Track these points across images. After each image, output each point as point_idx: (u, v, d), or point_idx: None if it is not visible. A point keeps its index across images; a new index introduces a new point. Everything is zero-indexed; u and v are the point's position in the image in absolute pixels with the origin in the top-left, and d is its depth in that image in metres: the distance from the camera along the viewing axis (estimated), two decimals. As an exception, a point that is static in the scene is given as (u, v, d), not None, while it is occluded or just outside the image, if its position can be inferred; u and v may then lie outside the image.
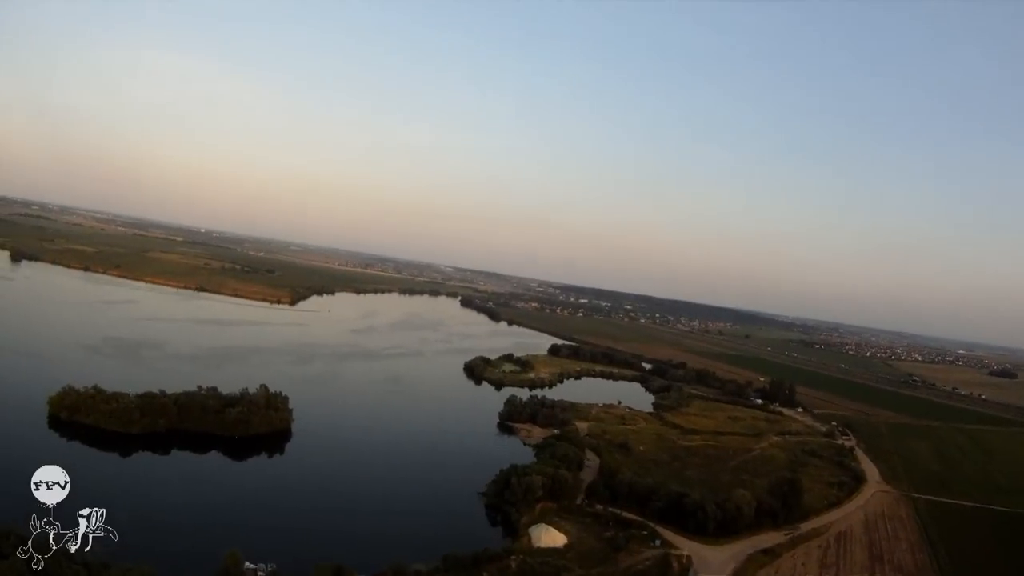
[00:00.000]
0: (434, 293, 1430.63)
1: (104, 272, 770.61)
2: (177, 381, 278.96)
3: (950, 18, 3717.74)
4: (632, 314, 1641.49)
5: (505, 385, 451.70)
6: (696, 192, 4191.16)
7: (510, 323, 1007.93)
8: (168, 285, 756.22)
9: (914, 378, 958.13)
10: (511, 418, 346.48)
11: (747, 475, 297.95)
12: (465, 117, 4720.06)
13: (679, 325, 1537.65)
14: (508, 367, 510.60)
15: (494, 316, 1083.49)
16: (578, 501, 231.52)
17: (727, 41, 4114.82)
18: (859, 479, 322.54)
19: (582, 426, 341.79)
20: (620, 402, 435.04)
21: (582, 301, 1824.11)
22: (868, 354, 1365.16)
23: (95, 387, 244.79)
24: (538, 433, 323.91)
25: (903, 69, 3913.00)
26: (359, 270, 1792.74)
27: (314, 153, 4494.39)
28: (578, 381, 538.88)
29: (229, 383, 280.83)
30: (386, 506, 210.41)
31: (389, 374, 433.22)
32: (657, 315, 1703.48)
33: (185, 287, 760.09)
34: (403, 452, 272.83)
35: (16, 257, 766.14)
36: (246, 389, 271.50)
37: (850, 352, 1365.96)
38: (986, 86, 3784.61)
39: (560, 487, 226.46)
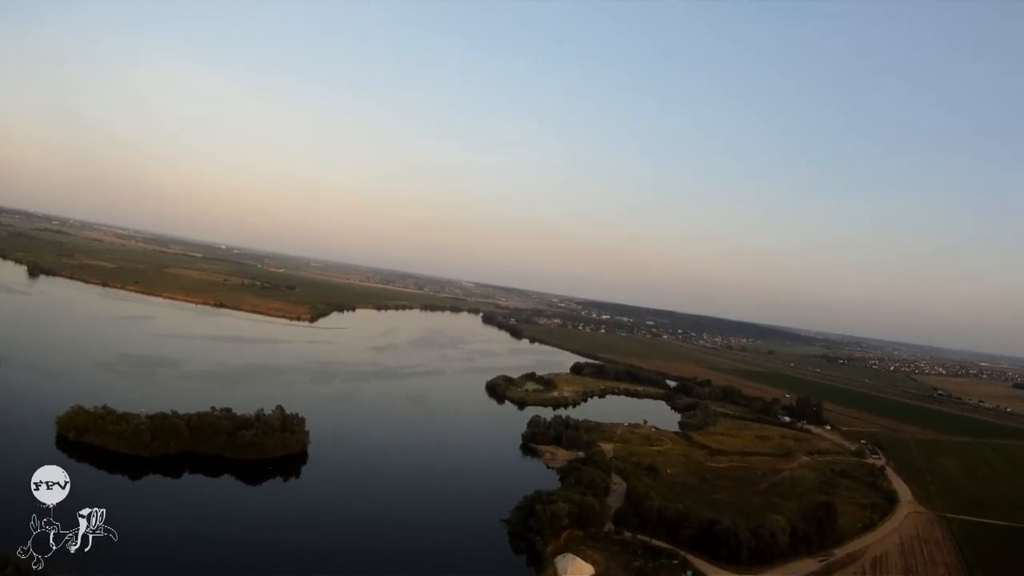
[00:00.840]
0: (455, 309, 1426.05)
1: (122, 287, 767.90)
2: (191, 401, 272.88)
3: (965, 24, 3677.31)
4: (655, 330, 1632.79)
5: (528, 404, 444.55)
6: (716, 206, 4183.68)
7: (532, 340, 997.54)
8: (187, 301, 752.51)
9: (939, 392, 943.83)
10: (534, 440, 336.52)
11: (778, 498, 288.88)
12: (488, 134, 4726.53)
13: (702, 341, 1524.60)
14: (531, 386, 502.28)
15: (516, 333, 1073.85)
16: (605, 529, 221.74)
17: (748, 57, 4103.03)
18: (892, 500, 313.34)
19: (607, 447, 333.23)
20: (646, 421, 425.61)
21: (604, 317, 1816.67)
22: (892, 368, 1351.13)
23: (105, 407, 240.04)
24: (562, 455, 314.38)
25: (922, 76, 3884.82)
26: (380, 286, 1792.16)
27: (338, 170, 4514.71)
28: (602, 399, 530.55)
29: (244, 403, 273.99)
30: (406, 533, 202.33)
31: (409, 393, 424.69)
32: (680, 331, 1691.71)
33: (204, 303, 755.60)
34: (424, 476, 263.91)
35: (33, 272, 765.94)
36: (261, 410, 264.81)
37: (874, 366, 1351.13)
38: (1012, 93, 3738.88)
39: (587, 514, 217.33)
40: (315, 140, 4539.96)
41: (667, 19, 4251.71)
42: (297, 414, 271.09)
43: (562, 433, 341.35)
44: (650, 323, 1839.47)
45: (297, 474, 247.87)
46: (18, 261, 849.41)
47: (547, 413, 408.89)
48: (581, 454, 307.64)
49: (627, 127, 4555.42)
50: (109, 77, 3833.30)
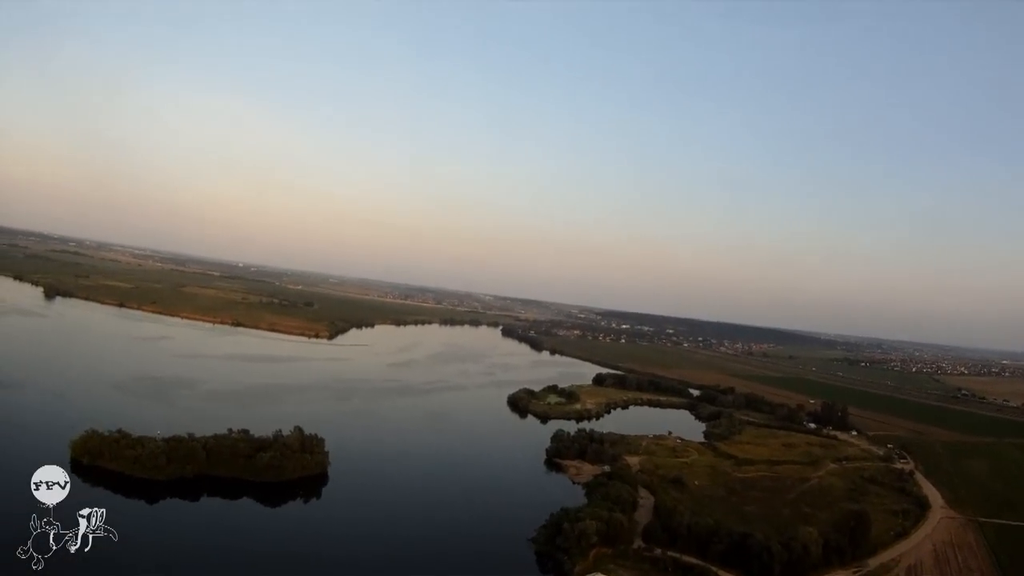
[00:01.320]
0: (475, 323, 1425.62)
1: (139, 308, 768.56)
2: (208, 422, 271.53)
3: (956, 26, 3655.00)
4: (675, 338, 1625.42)
5: (551, 418, 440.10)
6: (733, 212, 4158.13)
7: (553, 352, 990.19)
8: (204, 320, 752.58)
9: (963, 392, 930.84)
10: (559, 454, 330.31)
11: (808, 507, 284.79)
12: (501, 147, 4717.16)
13: (723, 348, 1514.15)
14: (553, 399, 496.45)
15: (536, 345, 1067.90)
16: (634, 546, 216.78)
17: (761, 63, 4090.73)
18: (923, 506, 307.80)
19: (633, 460, 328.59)
20: (671, 432, 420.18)
21: (624, 327, 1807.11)
22: (914, 369, 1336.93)
23: (119, 431, 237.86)
24: (588, 470, 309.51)
25: (932, 70, 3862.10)
26: (399, 301, 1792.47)
27: (353, 186, 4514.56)
28: (625, 411, 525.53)
29: (262, 424, 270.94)
30: (430, 554, 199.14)
31: (430, 410, 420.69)
32: (700, 339, 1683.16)
33: (221, 322, 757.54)
34: (447, 494, 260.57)
35: (50, 294, 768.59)
36: (279, 431, 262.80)
37: (896, 368, 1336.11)
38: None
39: (615, 531, 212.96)
40: (331, 156, 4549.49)
41: (674, 22, 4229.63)
42: (316, 434, 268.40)
43: (587, 447, 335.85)
44: (670, 331, 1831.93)
45: (318, 495, 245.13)
46: (35, 283, 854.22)
47: (570, 426, 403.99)
48: (607, 468, 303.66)
49: (642, 134, 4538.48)
50: (125, 99, 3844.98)
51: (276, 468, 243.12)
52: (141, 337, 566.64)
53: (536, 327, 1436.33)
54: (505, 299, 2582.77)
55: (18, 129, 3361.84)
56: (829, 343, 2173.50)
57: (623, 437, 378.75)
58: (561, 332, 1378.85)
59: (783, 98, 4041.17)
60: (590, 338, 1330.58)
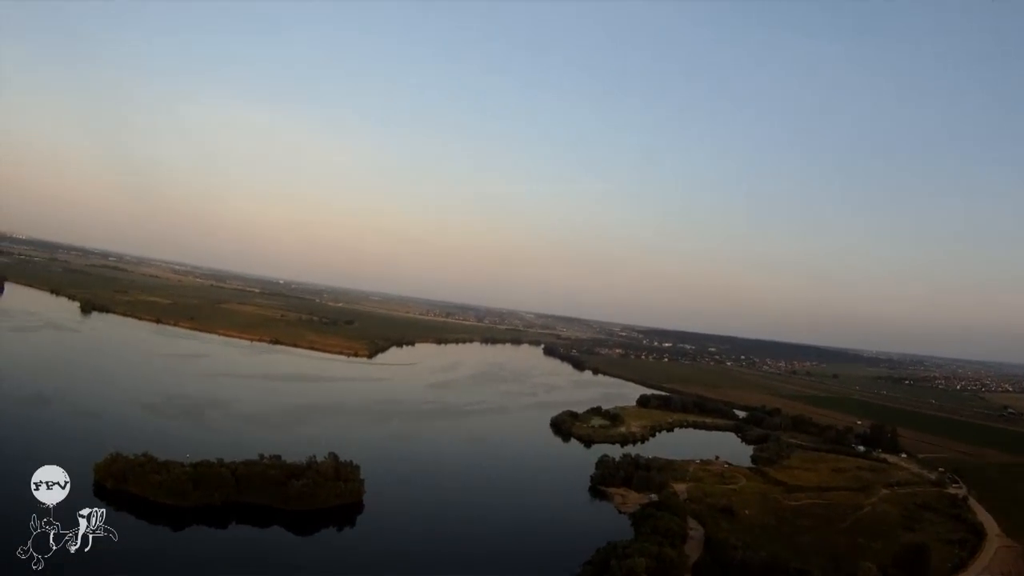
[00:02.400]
0: (516, 342, 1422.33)
1: (176, 324, 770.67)
2: (239, 446, 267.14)
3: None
4: (717, 357, 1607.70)
5: (595, 442, 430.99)
6: (771, 226, 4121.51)
7: (595, 372, 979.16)
8: (242, 338, 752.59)
9: (1010, 410, 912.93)
10: (604, 481, 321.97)
11: (863, 538, 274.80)
12: (540, 165, 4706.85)
13: (765, 367, 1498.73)
14: (597, 421, 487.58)
15: (579, 365, 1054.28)
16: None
17: (796, 75, 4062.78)
18: (979, 534, 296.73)
19: (680, 488, 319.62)
20: (718, 457, 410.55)
21: (666, 345, 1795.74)
22: (959, 387, 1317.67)
23: (145, 454, 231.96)
24: (634, 498, 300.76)
25: (970, 78, 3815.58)
26: (440, 319, 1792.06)
27: (396, 203, 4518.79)
28: (671, 434, 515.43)
29: (296, 449, 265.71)
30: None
31: (472, 433, 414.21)
32: (742, 357, 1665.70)
33: (259, 340, 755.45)
34: (487, 524, 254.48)
35: (86, 308, 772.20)
36: (313, 457, 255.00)
37: (940, 386, 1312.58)
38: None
39: (665, 568, 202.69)
40: (373, 173, 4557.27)
41: (712, 40, 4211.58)
42: (351, 461, 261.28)
43: (633, 474, 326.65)
44: (712, 349, 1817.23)
45: (352, 524, 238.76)
46: (71, 297, 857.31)
47: (615, 451, 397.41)
48: (654, 496, 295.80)
49: (682, 151, 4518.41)
50: (166, 115, 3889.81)
51: (309, 496, 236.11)
52: (176, 354, 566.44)
53: (578, 346, 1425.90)
54: (546, 317, 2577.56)
55: (61, 145, 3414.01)
56: (872, 360, 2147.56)
57: (670, 462, 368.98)
58: (603, 351, 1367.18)
59: (821, 111, 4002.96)
60: (632, 357, 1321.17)
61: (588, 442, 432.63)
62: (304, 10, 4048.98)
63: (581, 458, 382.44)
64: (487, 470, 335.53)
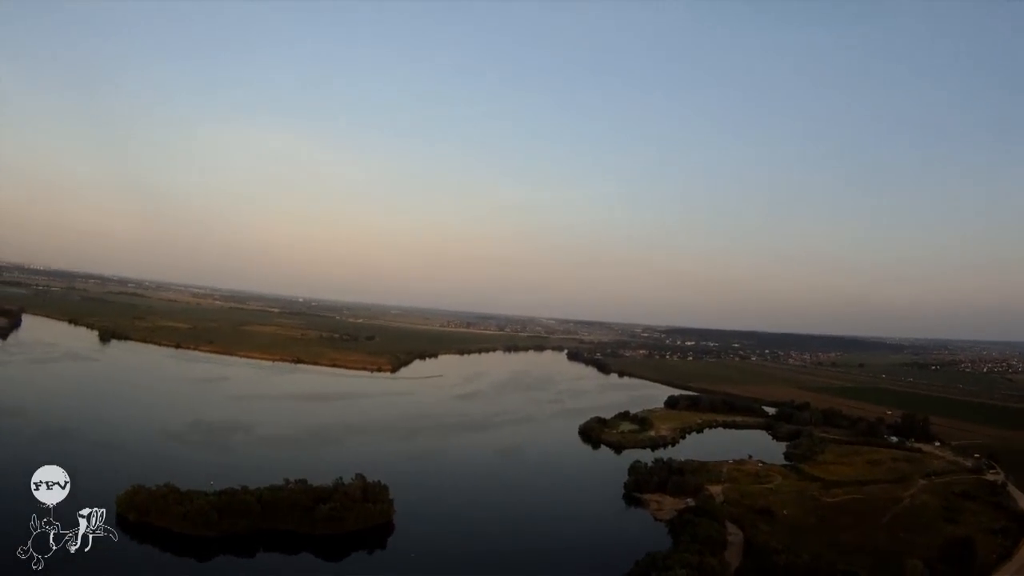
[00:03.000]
0: (539, 348, 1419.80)
1: (196, 348, 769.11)
2: (264, 471, 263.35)
3: None
4: (741, 353, 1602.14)
5: (625, 447, 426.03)
6: (788, 222, 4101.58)
7: (621, 374, 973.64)
8: (263, 359, 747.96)
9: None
10: (638, 488, 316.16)
11: (904, 532, 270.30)
12: (554, 170, 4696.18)
13: (790, 360, 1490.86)
14: (626, 426, 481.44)
15: (603, 368, 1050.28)
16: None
17: (807, 65, 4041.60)
18: (1021, 521, 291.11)
19: (715, 490, 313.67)
20: (751, 456, 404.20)
21: (689, 343, 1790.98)
22: (985, 370, 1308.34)
23: (167, 485, 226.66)
24: (669, 504, 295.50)
25: (989, 62, 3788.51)
26: (461, 330, 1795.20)
27: (410, 216, 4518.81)
28: (701, 435, 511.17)
29: (322, 471, 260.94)
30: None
31: (500, 445, 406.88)
32: (766, 351, 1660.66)
33: (281, 360, 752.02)
34: (522, 539, 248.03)
35: (104, 336, 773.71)
36: (340, 479, 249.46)
37: (967, 370, 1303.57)
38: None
39: None
40: (387, 187, 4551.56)
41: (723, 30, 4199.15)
42: (379, 481, 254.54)
43: (667, 479, 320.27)
44: (736, 346, 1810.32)
45: (383, 545, 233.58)
46: (90, 326, 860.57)
47: (646, 455, 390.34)
48: (690, 501, 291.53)
49: (696, 149, 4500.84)
50: (178, 138, 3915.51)
51: (337, 520, 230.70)
52: (196, 379, 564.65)
53: (601, 349, 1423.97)
54: (567, 322, 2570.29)
55: (76, 174, 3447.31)
56: (895, 347, 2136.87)
57: (703, 464, 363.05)
58: (627, 353, 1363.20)
59: (835, 98, 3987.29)
60: (657, 357, 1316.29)
61: (618, 448, 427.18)
62: (309, 27, 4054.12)
63: (612, 465, 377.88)
64: (518, 483, 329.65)
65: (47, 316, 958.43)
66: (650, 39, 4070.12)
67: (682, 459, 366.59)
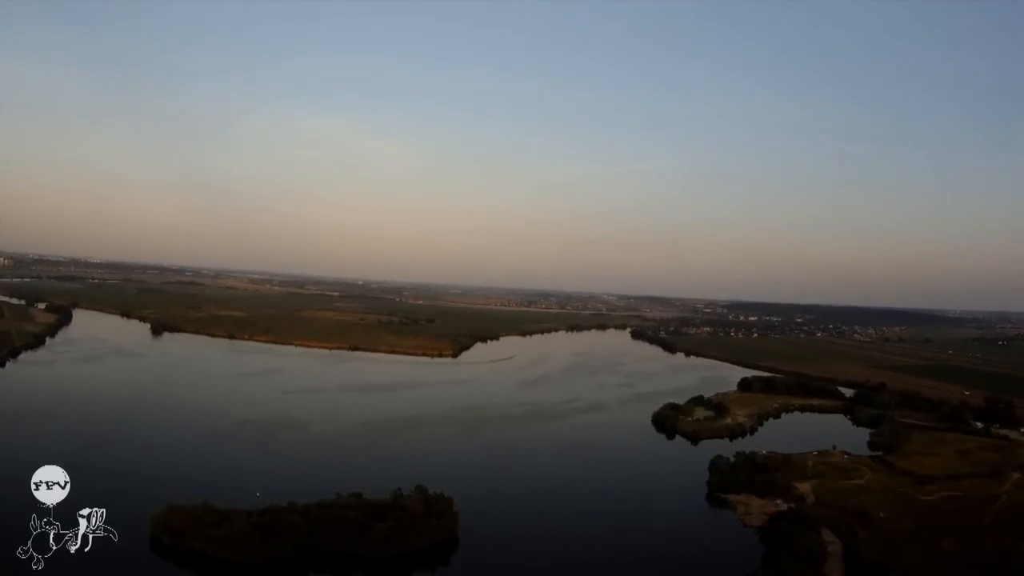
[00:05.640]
0: (601, 327, 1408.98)
1: (250, 338, 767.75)
2: (315, 477, 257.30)
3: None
4: (806, 328, 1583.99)
5: (701, 437, 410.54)
6: (846, 191, 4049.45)
7: (687, 354, 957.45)
8: (320, 347, 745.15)
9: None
10: (722, 487, 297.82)
11: (1009, 536, 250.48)
12: (614, 146, 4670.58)
13: (856, 336, 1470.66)
14: (701, 413, 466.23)
15: (669, 347, 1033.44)
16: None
17: (872, 37, 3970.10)
18: None
19: (804, 488, 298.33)
20: (835, 447, 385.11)
21: (751, 319, 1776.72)
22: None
23: (204, 503, 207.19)
24: (757, 506, 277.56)
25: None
26: (522, 309, 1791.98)
27: (466, 195, 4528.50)
28: (777, 420, 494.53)
29: (378, 478, 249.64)
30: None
31: (570, 439, 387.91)
32: (830, 326, 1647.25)
33: (338, 347, 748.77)
34: (601, 550, 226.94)
35: (156, 329, 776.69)
36: (399, 491, 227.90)
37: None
38: None
39: None
40: (443, 168, 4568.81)
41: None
42: (443, 493, 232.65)
43: (753, 477, 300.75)
44: (799, 320, 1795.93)
45: (447, 563, 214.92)
46: (142, 319, 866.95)
47: (724, 446, 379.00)
48: (779, 503, 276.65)
49: (758, 122, 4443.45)
50: (230, 128, 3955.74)
51: (395, 539, 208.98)
52: (247, 373, 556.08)
53: (664, 326, 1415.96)
54: (628, 298, 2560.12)
55: (132, 168, 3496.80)
56: (957, 321, 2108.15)
57: (787, 458, 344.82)
58: (692, 331, 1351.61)
59: (897, 67, 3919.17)
60: (721, 335, 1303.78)
61: (695, 438, 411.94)
62: (359, 9, 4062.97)
63: (691, 458, 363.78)
64: (592, 483, 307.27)
65: (100, 310, 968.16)
66: (718, 10, 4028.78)
67: (764, 451, 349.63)
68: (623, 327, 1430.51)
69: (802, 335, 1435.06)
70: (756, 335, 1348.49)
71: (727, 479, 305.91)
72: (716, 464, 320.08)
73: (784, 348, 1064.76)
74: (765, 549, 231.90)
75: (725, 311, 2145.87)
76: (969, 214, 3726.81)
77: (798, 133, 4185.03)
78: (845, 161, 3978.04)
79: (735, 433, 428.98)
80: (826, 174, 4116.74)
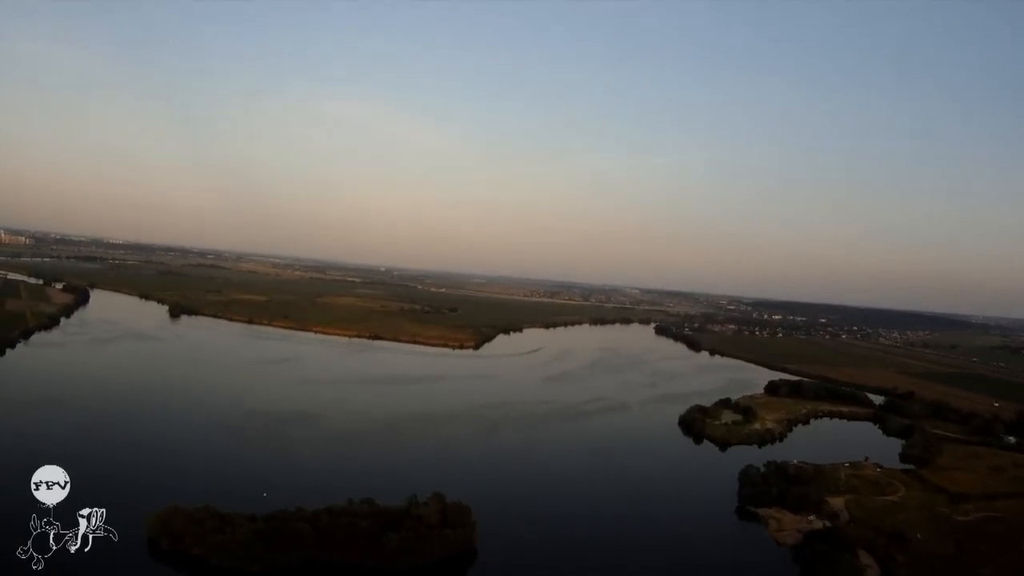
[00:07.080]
0: (625, 321, 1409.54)
1: (269, 324, 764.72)
2: (325, 476, 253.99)
3: None
4: (831, 329, 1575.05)
5: (730, 443, 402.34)
6: (871, 194, 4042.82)
7: (712, 352, 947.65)
8: (339, 334, 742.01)
9: None
10: (752, 500, 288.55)
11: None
12: (639, 140, 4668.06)
13: (882, 339, 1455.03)
14: (728, 416, 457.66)
15: (693, 345, 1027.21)
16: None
17: (901, 41, 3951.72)
18: None
19: (837, 503, 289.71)
20: (867, 458, 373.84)
21: (776, 318, 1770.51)
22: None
23: (206, 507, 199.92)
24: (790, 522, 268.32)
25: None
26: (545, 300, 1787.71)
27: (491, 185, 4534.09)
28: (806, 426, 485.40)
29: (392, 481, 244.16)
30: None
31: (594, 442, 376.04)
32: (855, 328, 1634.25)
33: (358, 335, 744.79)
34: (623, 568, 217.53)
35: (175, 312, 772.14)
36: (414, 497, 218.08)
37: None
38: None
39: None
40: (467, 157, 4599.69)
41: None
42: (461, 502, 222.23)
43: (786, 490, 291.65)
44: (823, 321, 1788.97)
45: None
46: (161, 301, 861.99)
47: (753, 453, 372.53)
48: (812, 519, 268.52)
49: (784, 121, 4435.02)
50: (255, 112, 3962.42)
51: (410, 550, 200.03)
52: (263, 360, 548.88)
53: (689, 322, 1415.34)
54: (652, 292, 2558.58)
55: (156, 150, 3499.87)
56: (983, 327, 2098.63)
57: (819, 469, 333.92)
58: (716, 328, 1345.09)
59: (916, 73, 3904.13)
60: (746, 334, 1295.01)
61: (723, 444, 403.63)
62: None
63: (719, 466, 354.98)
64: (617, 490, 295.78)
65: (118, 291, 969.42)
66: (745, 10, 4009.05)
67: (795, 461, 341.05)
68: (647, 322, 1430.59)
69: (827, 336, 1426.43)
70: (781, 335, 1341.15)
71: (757, 491, 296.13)
72: (747, 475, 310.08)
73: (809, 350, 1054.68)
74: (800, 570, 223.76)
75: (749, 308, 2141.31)
76: (995, 221, 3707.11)
77: (826, 133, 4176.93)
78: (875, 163, 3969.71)
79: (764, 439, 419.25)
80: (854, 176, 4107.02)
